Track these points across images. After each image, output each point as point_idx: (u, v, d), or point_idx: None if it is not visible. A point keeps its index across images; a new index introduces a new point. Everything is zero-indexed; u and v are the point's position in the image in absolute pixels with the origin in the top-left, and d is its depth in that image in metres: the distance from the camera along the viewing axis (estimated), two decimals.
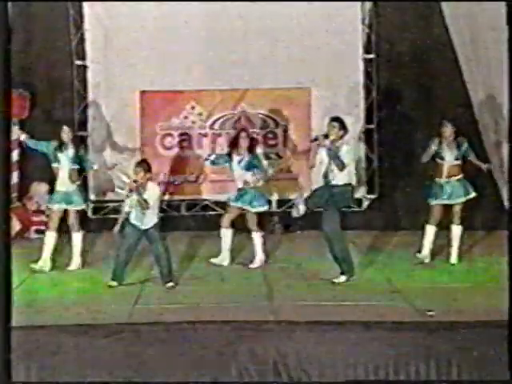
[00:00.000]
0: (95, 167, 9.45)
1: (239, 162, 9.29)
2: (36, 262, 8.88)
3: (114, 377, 6.20)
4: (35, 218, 10.87)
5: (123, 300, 7.62)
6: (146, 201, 8.18)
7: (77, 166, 9.07)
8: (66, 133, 9.06)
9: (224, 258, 9.22)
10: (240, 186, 9.27)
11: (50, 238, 8.98)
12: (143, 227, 8.29)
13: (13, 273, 8.02)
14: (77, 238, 9.06)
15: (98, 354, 6.27)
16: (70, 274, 8.82)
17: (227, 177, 10.58)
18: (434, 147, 9.15)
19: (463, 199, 9.15)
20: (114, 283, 8.28)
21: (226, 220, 9.26)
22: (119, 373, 6.20)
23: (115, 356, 6.26)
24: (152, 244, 8.36)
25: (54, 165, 9.06)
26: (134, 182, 8.24)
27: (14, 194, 10.93)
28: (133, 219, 8.31)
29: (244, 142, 9.31)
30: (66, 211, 9.06)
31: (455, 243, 9.19)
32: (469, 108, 10.92)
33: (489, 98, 10.82)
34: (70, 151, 9.03)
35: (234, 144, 9.47)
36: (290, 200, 11.34)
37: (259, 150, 10.19)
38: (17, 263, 8.80)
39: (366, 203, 11.44)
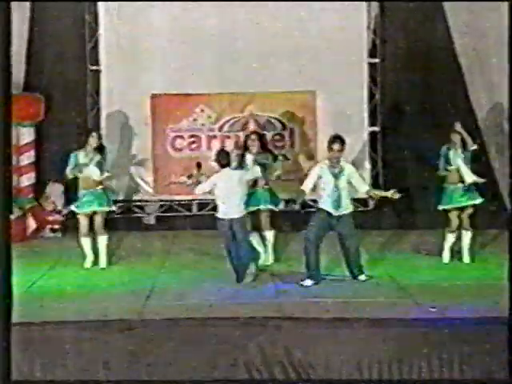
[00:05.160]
0: (107, 174, 9.52)
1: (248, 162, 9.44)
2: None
3: (123, 373, 6.36)
4: (51, 218, 11.11)
5: (135, 296, 7.77)
6: None
7: (99, 171, 9.25)
8: (94, 138, 9.26)
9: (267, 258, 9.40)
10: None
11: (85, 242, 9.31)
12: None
13: (27, 270, 8.45)
14: (102, 240, 9.32)
15: (109, 350, 6.40)
16: (90, 272, 9.11)
17: None
18: (443, 157, 9.34)
19: (472, 203, 9.30)
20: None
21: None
22: (128, 369, 6.36)
23: (126, 352, 6.39)
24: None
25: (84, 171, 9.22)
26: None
27: (31, 195, 11.24)
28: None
29: (253, 144, 9.50)
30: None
31: (466, 246, 9.38)
32: (471, 112, 11.14)
33: (491, 102, 11.04)
34: (96, 157, 9.24)
35: (244, 148, 9.67)
36: (296, 200, 11.60)
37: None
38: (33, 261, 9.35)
39: (371, 203, 11.70)
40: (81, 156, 9.25)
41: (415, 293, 7.77)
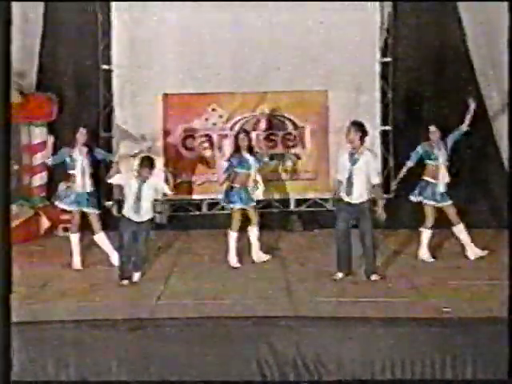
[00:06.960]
0: (113, 159, 9.54)
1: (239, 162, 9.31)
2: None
3: (135, 371, 6.39)
4: (63, 217, 11.17)
5: (147, 295, 7.81)
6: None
7: (91, 170, 9.17)
8: (81, 134, 9.13)
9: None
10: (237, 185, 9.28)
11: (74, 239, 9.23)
12: (139, 219, 8.40)
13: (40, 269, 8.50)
14: (100, 238, 9.25)
15: (120, 349, 6.45)
16: (99, 271, 9.09)
17: None
18: (420, 151, 9.44)
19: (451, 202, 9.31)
20: (126, 282, 8.36)
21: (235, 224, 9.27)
22: (140, 367, 6.40)
23: (137, 351, 6.43)
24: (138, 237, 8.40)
25: (71, 171, 9.15)
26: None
27: (43, 194, 11.33)
28: (127, 212, 8.40)
29: (243, 142, 9.32)
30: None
31: (466, 241, 9.33)
32: (484, 112, 11.11)
33: (502, 101, 11.01)
34: (85, 154, 9.09)
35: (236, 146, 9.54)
36: (308, 200, 11.64)
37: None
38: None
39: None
40: (71, 155, 9.10)
41: (427, 292, 7.77)
